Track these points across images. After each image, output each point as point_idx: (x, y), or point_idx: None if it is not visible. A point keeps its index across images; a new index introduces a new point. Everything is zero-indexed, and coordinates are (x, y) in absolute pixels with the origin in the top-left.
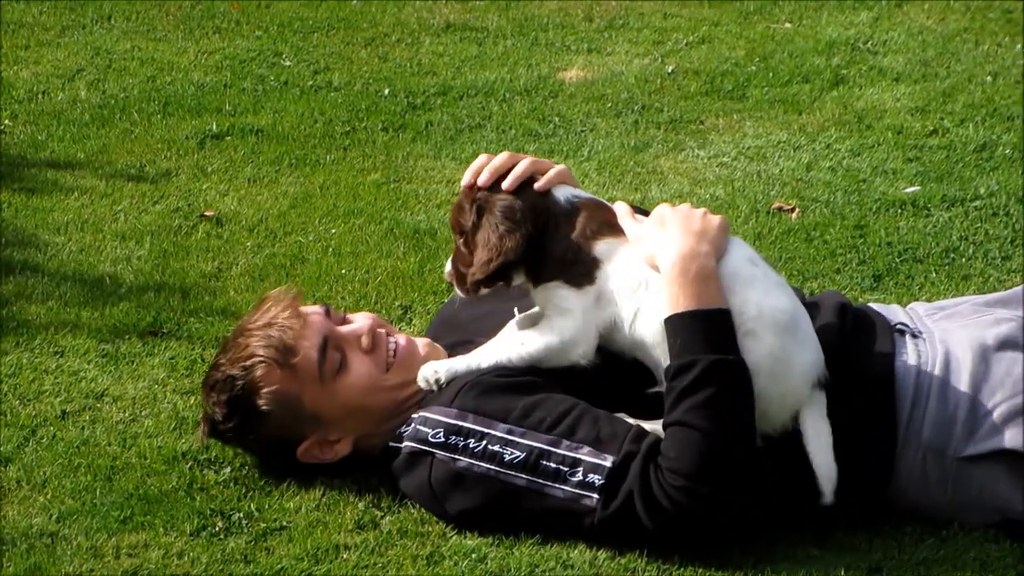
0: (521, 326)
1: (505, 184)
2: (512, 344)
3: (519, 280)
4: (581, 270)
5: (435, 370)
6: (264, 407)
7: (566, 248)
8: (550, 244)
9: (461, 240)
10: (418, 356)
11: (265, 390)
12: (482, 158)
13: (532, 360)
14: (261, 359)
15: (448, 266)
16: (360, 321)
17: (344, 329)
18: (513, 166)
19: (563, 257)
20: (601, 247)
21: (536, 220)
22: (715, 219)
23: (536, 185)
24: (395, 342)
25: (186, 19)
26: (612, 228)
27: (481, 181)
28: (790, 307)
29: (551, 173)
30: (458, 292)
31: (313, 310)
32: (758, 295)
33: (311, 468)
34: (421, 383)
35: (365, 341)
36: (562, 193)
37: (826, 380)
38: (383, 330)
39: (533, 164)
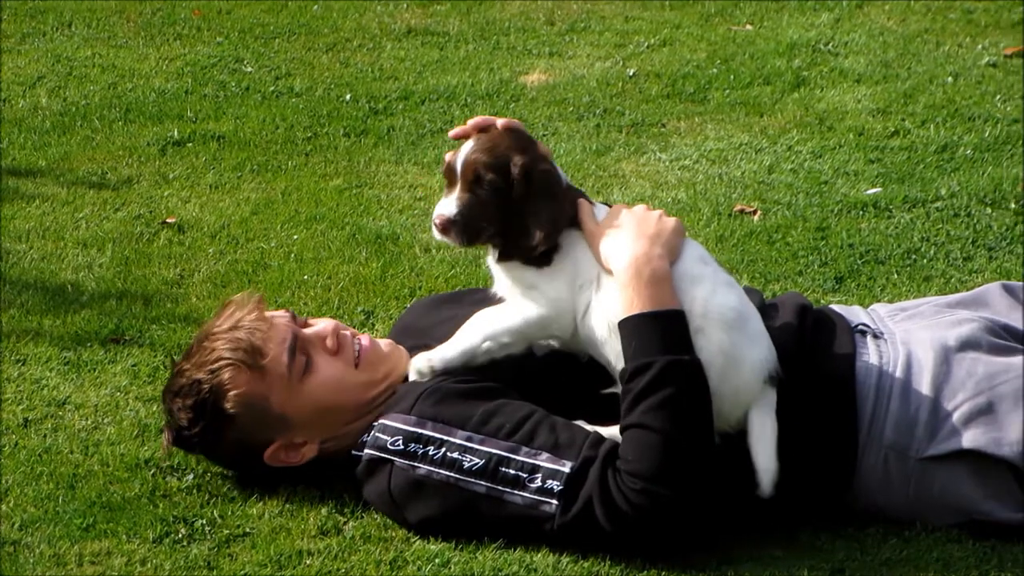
0: None
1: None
2: (490, 320)
3: (489, 249)
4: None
5: (428, 359)
6: (231, 410)
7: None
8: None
9: (486, 192)
10: (383, 354)
11: (232, 393)
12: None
13: (513, 331)
14: (228, 361)
15: (447, 209)
16: (323, 324)
17: (309, 331)
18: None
19: (527, 234)
20: (564, 236)
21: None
22: (670, 221)
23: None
24: (359, 342)
25: (147, 26)
26: (575, 221)
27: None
28: (737, 304)
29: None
30: (452, 240)
31: (278, 314)
32: (705, 293)
33: (276, 474)
34: (414, 375)
35: (330, 342)
36: (562, 175)
37: (779, 375)
38: (347, 332)
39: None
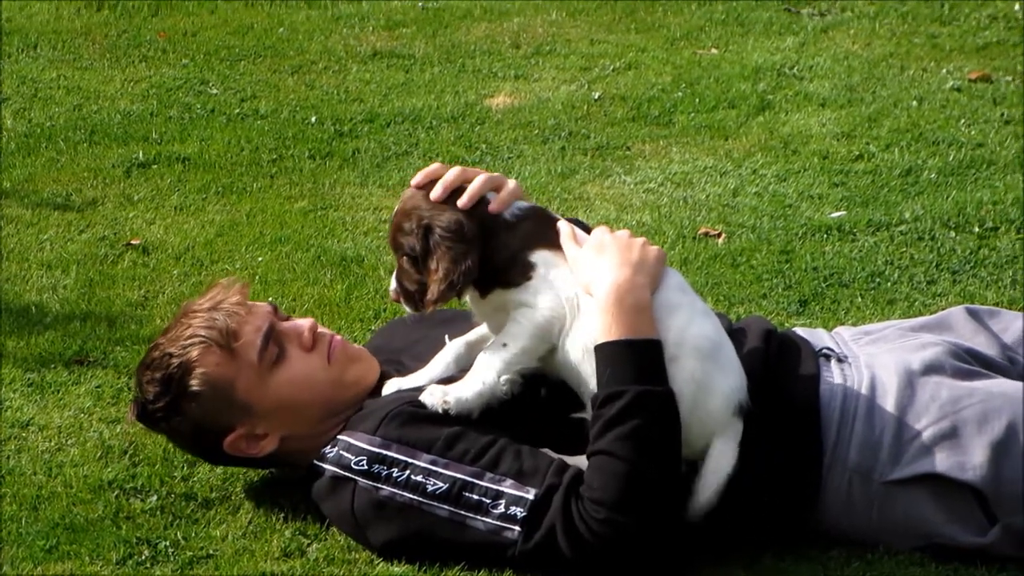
0: (454, 351)
1: (462, 202)
2: (496, 354)
3: (469, 293)
4: (517, 271)
5: (444, 397)
6: (196, 387)
7: (506, 257)
8: (493, 255)
9: (406, 260)
10: (355, 355)
11: (199, 370)
12: (436, 166)
13: (525, 350)
14: (201, 339)
15: (393, 283)
16: (301, 321)
17: (287, 324)
18: (466, 181)
19: (502, 265)
20: (537, 256)
21: (483, 235)
22: (653, 250)
23: (491, 207)
24: (334, 340)
25: (112, 48)
26: (550, 242)
27: (434, 196)
28: (713, 334)
29: (505, 193)
30: (407, 309)
31: (261, 304)
32: (681, 322)
33: (237, 464)
34: (427, 404)
35: (306, 337)
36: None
37: (748, 407)
38: (324, 331)
39: (489, 181)
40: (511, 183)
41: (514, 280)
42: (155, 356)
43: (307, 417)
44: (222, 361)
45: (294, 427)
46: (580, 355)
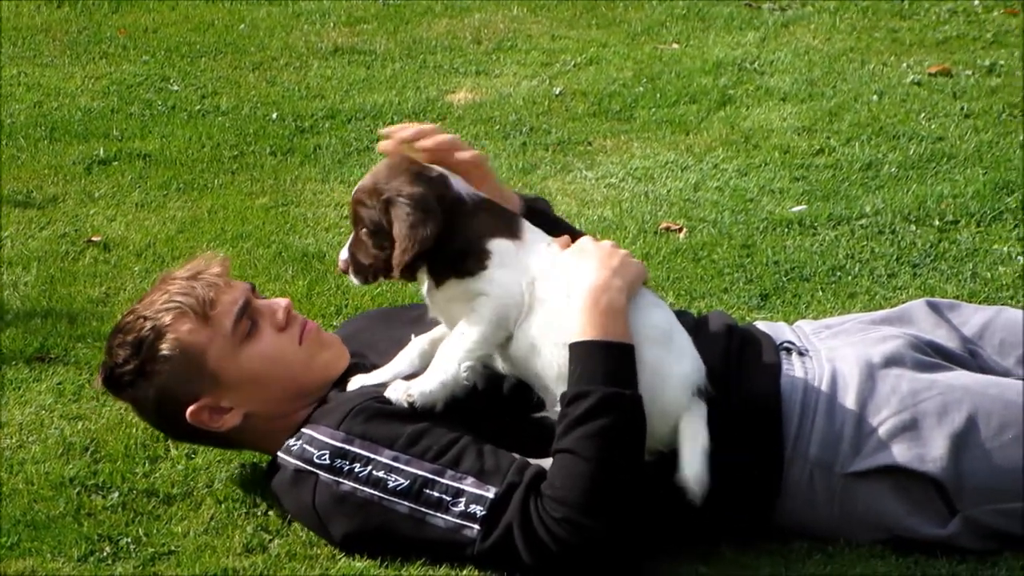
0: (418, 348)
1: (426, 143)
2: (455, 343)
3: (422, 278)
4: (473, 259)
5: (407, 391)
6: (166, 351)
7: (462, 243)
8: (449, 239)
9: (364, 231)
10: (326, 341)
11: (171, 335)
12: (429, 126)
13: (484, 337)
14: (176, 305)
15: (343, 254)
16: (277, 300)
17: (263, 302)
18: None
19: (459, 252)
20: (494, 244)
21: (444, 213)
22: (635, 261)
23: (457, 154)
24: (307, 323)
25: (73, 44)
26: (509, 230)
27: (407, 134)
28: (662, 322)
29: (468, 154)
30: (354, 280)
31: (241, 281)
32: (629, 312)
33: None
34: (391, 398)
35: (281, 316)
36: (464, 189)
37: (707, 390)
38: (297, 314)
39: (454, 141)
40: (475, 151)
41: (469, 269)
42: (128, 320)
43: (273, 395)
44: (195, 328)
45: (259, 404)
46: (531, 347)
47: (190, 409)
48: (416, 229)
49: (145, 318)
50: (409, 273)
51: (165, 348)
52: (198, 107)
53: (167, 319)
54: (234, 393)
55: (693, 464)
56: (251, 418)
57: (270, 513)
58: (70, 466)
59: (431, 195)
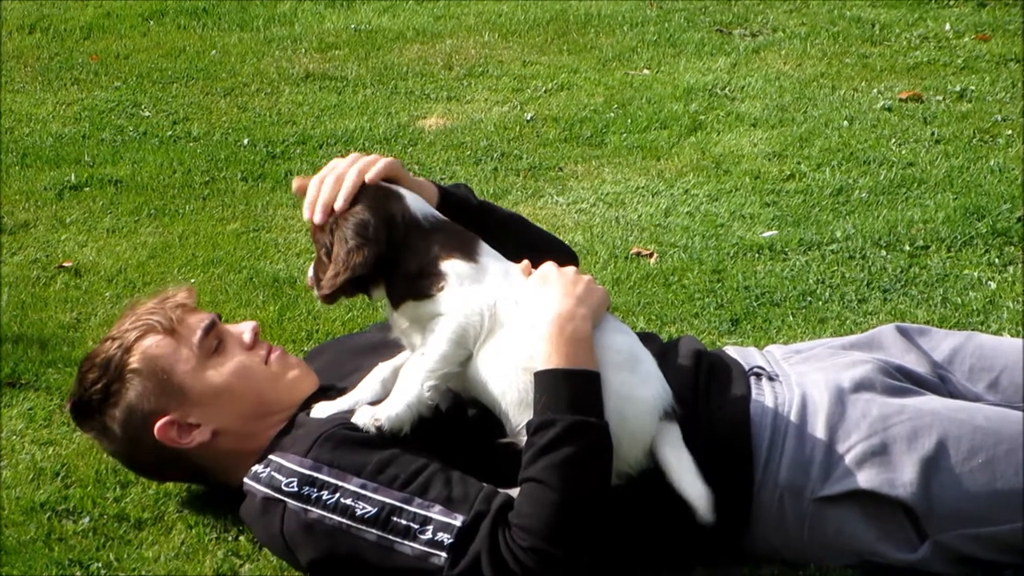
0: (381, 375)
1: (338, 205)
2: (418, 364)
3: (378, 295)
4: (426, 283)
5: (373, 416)
6: (134, 365)
7: (417, 265)
8: (403, 260)
9: (322, 251)
10: (292, 364)
11: (138, 349)
12: (311, 189)
13: (445, 356)
14: (144, 323)
15: (310, 272)
16: (243, 324)
17: (230, 326)
18: (338, 181)
19: (413, 273)
20: (448, 265)
21: (391, 236)
22: (598, 288)
23: (367, 177)
24: (272, 348)
25: (44, 70)
26: (465, 252)
27: (317, 220)
28: (626, 346)
29: (379, 167)
30: (317, 297)
31: (207, 312)
32: (594, 337)
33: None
34: (359, 424)
35: (248, 337)
36: (421, 211)
37: (676, 411)
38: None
39: (359, 175)
40: (384, 159)
41: (425, 291)
42: (98, 348)
43: (241, 410)
44: (163, 343)
45: (227, 420)
46: (490, 371)
47: (158, 424)
48: (351, 255)
49: (113, 338)
50: (338, 296)
51: (133, 362)
52: (169, 133)
53: (134, 335)
54: (201, 409)
55: (692, 486)
56: (219, 436)
57: (241, 538)
58: (41, 491)
59: (377, 221)
